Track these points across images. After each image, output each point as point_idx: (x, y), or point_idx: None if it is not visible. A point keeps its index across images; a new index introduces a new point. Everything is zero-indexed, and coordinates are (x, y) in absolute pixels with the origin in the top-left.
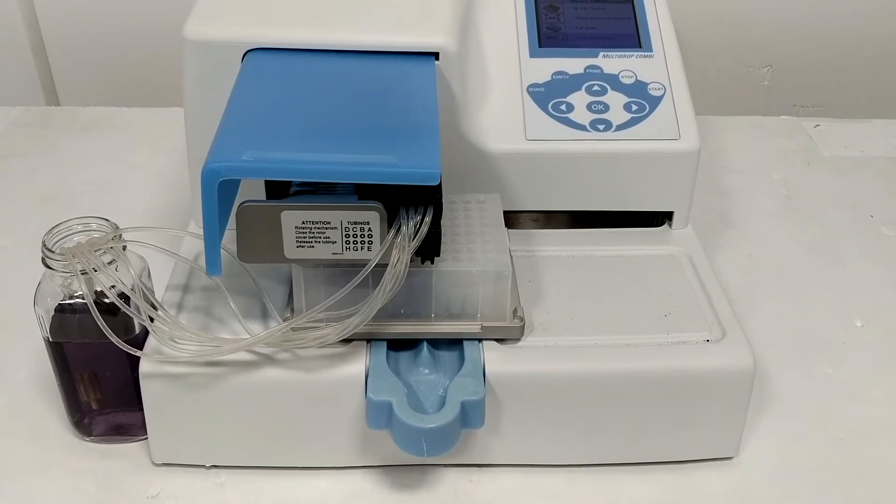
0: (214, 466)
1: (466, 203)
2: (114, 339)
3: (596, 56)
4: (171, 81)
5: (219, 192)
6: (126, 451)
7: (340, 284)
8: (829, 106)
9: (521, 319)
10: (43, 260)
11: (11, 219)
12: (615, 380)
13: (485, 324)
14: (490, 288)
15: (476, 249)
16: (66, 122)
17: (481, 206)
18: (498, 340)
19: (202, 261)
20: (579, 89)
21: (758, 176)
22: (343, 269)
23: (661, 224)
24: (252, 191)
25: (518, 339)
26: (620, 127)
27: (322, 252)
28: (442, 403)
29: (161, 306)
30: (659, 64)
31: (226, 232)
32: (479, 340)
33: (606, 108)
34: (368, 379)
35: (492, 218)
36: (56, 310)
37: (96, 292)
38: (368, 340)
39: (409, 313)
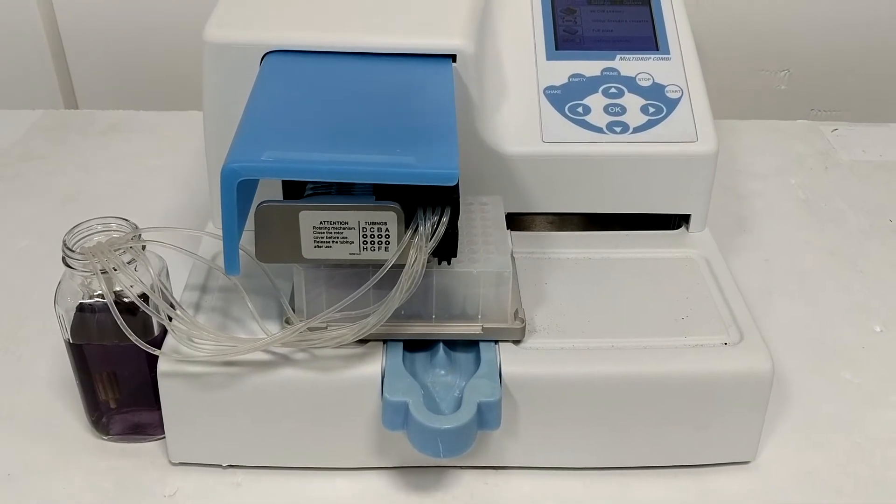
0: (231, 466)
1: (469, 205)
2: (133, 338)
3: (613, 59)
4: (188, 85)
5: (238, 192)
6: (143, 451)
7: (341, 285)
8: (846, 110)
9: (523, 321)
10: (63, 259)
11: (32, 220)
12: (632, 382)
13: (485, 325)
14: (491, 289)
15: (477, 251)
16: (85, 125)
17: (483, 208)
18: (501, 342)
19: (220, 261)
20: (596, 92)
21: (775, 180)
22: (345, 270)
23: (678, 227)
24: (269, 193)
25: (519, 341)
26: (637, 129)
27: (339, 252)
28: (458, 405)
29: (179, 306)
30: (676, 66)
31: (243, 233)
32: (496, 342)
33: (623, 110)
34: (385, 379)
35: (494, 219)
36: (76, 309)
37: (115, 292)
38: (384, 341)
39: (409, 314)
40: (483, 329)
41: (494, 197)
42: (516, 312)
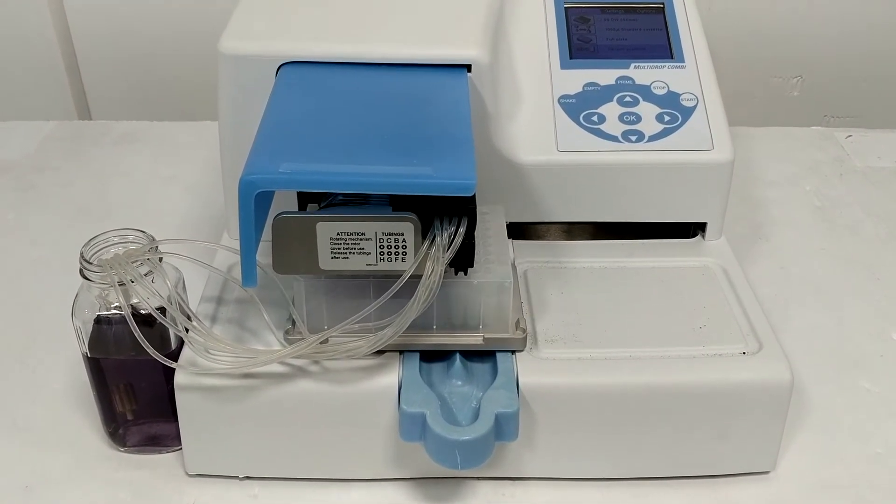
0: (248, 478)
1: None
2: (150, 350)
3: (627, 67)
4: (201, 96)
5: (255, 203)
6: (160, 462)
7: (342, 296)
8: (860, 116)
9: (524, 331)
10: (81, 271)
11: (46, 231)
12: (650, 392)
13: (487, 335)
14: (492, 299)
15: (478, 261)
16: (99, 136)
17: (484, 218)
18: (507, 352)
19: (236, 273)
20: (611, 100)
21: (790, 187)
22: (347, 281)
23: (695, 235)
24: (283, 204)
25: (521, 351)
26: (653, 138)
27: (356, 263)
28: (475, 416)
29: (196, 317)
30: (691, 74)
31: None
32: (513, 352)
33: (638, 118)
34: (401, 390)
35: (495, 229)
36: (94, 322)
37: (132, 304)
38: (401, 352)
39: (411, 324)
40: (484, 339)
41: (495, 206)
42: (518, 322)
